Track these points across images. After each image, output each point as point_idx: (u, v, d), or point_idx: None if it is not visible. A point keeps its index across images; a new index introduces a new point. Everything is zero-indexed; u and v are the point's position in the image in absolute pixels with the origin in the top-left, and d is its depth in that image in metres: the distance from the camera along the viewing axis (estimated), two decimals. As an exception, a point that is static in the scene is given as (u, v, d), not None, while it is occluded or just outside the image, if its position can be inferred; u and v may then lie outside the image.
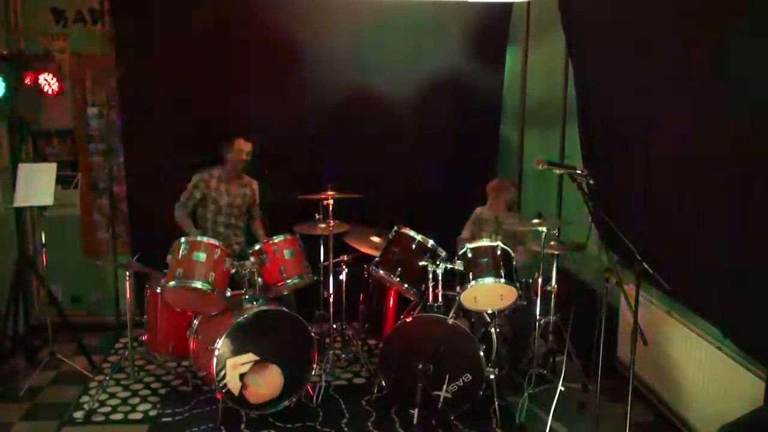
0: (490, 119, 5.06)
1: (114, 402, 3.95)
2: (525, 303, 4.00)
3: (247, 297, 3.79)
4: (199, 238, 3.83)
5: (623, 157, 3.95)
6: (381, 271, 4.02)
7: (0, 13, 4.72)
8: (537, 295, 3.98)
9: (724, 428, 2.64)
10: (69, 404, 3.93)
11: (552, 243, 3.94)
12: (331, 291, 4.28)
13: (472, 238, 4.45)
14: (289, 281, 4.03)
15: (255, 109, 4.80)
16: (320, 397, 3.96)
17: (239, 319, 3.61)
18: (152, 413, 3.84)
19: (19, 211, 4.50)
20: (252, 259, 3.89)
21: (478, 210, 4.54)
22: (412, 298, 4.04)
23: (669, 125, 3.40)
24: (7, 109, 4.69)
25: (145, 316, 4.16)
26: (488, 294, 3.76)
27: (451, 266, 3.84)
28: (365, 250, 4.45)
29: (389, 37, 4.80)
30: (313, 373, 3.86)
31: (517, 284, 3.80)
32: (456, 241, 4.47)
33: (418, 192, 5.11)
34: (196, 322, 3.90)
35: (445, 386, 3.71)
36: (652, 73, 3.50)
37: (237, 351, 3.62)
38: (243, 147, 4.38)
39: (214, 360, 3.54)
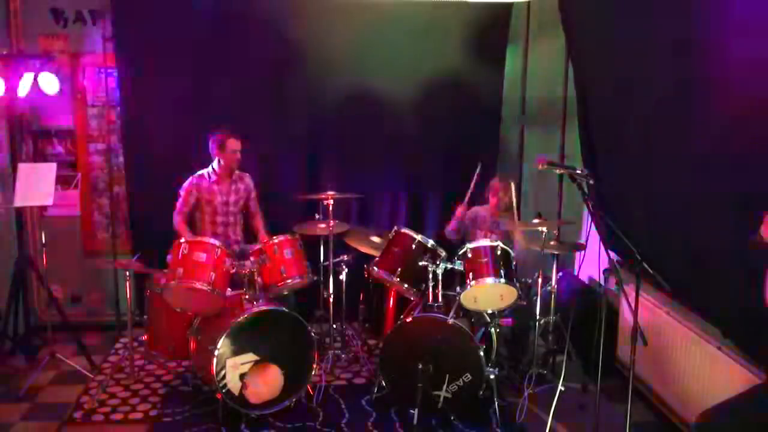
0: (490, 119, 5.06)
1: (114, 402, 3.95)
2: (525, 303, 4.00)
3: (247, 297, 3.79)
4: (199, 239, 3.83)
5: (623, 157, 3.95)
6: (381, 271, 4.02)
7: (0, 13, 4.72)
8: (537, 295, 3.99)
9: (705, 413, 2.66)
10: (69, 404, 3.93)
11: (552, 243, 3.94)
12: (331, 291, 4.28)
13: (459, 233, 4.50)
14: (289, 281, 4.03)
15: (255, 109, 4.80)
16: (320, 397, 3.96)
17: (239, 319, 3.60)
18: (152, 413, 3.84)
19: (19, 211, 4.50)
20: (252, 259, 3.88)
21: (475, 208, 4.55)
22: (412, 298, 4.04)
23: (669, 125, 3.40)
24: (7, 109, 4.69)
25: (145, 316, 4.16)
26: (488, 294, 3.76)
27: (451, 266, 3.84)
28: (365, 250, 4.45)
29: (389, 37, 4.80)
30: (313, 373, 3.86)
31: (517, 284, 3.80)
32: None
33: (418, 192, 5.11)
34: (196, 322, 3.90)
35: (445, 386, 3.71)
36: (652, 72, 3.50)
37: (237, 351, 3.62)
38: (237, 146, 4.31)
39: (214, 360, 3.54)
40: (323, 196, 4.17)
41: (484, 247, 3.80)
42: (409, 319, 3.79)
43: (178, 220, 4.40)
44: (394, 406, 3.88)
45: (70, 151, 4.99)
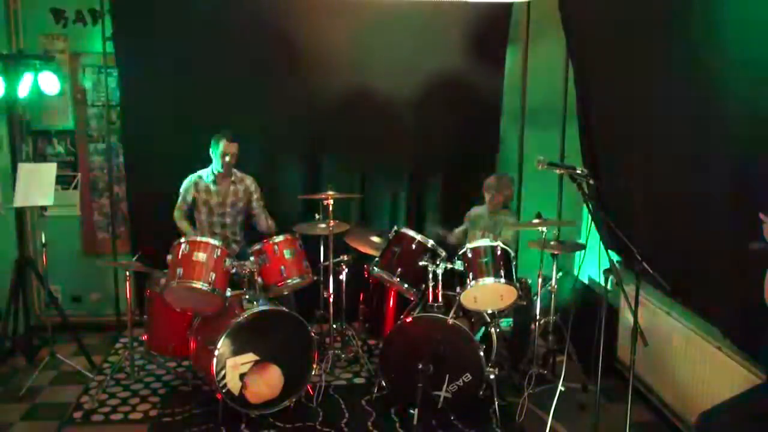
0: (490, 119, 5.05)
1: (114, 402, 3.95)
2: (525, 303, 4.00)
3: (247, 297, 3.79)
4: (199, 238, 3.82)
5: (623, 157, 3.96)
6: (381, 271, 4.02)
7: (0, 13, 4.72)
8: (537, 295, 3.99)
9: (705, 413, 2.67)
10: (69, 404, 3.93)
11: (552, 243, 3.94)
12: (331, 291, 4.28)
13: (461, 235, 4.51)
14: (289, 281, 4.03)
15: (255, 109, 4.80)
16: (320, 397, 3.96)
17: (239, 319, 3.60)
18: (152, 413, 3.84)
19: (19, 211, 4.49)
20: (252, 259, 3.88)
21: (474, 209, 4.55)
22: (412, 298, 4.04)
23: (669, 124, 3.40)
24: (7, 109, 4.69)
25: (145, 316, 4.16)
26: (488, 294, 3.76)
27: (451, 266, 3.84)
28: (365, 250, 4.45)
29: (389, 37, 4.80)
30: (313, 373, 3.86)
31: (517, 284, 3.80)
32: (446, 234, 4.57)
33: (418, 192, 5.10)
34: (196, 322, 3.90)
35: (445, 386, 3.71)
36: (652, 72, 3.50)
37: (237, 351, 3.62)
38: (228, 149, 4.27)
39: (214, 360, 3.54)
40: (323, 196, 4.17)
41: (484, 247, 3.80)
42: (409, 319, 3.79)
43: (177, 216, 4.44)
44: (394, 406, 3.88)
45: (70, 151, 5.00)
